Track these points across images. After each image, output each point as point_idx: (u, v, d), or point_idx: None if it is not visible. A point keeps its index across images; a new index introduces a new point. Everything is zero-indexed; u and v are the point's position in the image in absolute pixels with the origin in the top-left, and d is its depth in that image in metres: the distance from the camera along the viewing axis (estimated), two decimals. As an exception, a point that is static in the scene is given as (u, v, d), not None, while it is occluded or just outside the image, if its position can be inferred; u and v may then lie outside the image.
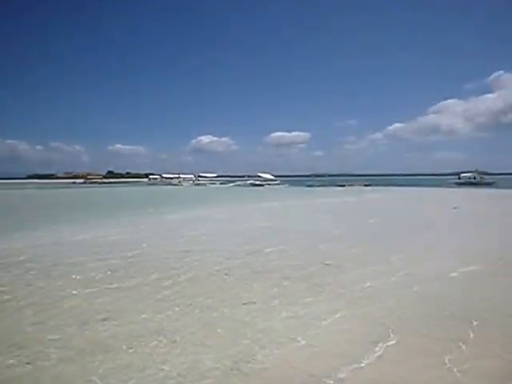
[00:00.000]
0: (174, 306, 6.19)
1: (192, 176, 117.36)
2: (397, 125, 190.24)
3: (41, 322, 5.57)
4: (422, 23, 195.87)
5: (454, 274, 8.03)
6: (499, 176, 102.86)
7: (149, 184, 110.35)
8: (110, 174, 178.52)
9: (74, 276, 8.17)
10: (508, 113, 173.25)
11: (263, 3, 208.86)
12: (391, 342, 4.76)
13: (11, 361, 4.38)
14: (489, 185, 66.27)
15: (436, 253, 10.33)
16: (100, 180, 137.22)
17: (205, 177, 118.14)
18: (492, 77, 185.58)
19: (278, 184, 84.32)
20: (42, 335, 5.08)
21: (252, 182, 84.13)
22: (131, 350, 4.63)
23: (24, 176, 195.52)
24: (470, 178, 71.36)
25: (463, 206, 25.97)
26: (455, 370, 4.08)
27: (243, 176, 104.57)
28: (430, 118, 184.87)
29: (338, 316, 5.69)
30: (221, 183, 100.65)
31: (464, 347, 4.61)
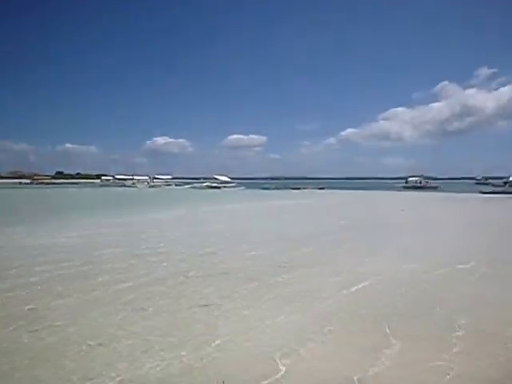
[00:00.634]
0: (125, 310, 6.02)
1: (147, 178, 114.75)
2: (349, 130, 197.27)
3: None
4: (373, 36, 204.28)
5: (400, 274, 8.41)
6: (443, 181, 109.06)
7: (101, 185, 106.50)
8: (60, 175, 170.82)
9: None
10: (453, 121, 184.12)
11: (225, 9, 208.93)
12: (333, 341, 4.90)
13: None
14: (433, 189, 70.30)
15: (385, 253, 10.77)
16: (48, 180, 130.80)
17: (160, 178, 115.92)
18: (438, 87, 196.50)
19: (234, 186, 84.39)
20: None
21: (208, 184, 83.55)
22: (75, 356, 4.45)
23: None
24: (416, 182, 75.37)
25: (410, 208, 27.42)
26: (388, 364, 4.27)
27: (199, 178, 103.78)
28: (381, 125, 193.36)
29: (282, 316, 5.76)
30: (176, 185, 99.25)
31: (395, 342, 4.83)
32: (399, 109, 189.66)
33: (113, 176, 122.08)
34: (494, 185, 70.67)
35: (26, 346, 4.71)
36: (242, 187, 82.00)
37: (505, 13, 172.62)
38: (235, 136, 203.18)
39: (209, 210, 27.25)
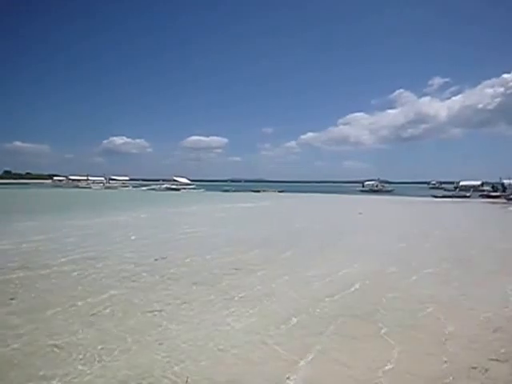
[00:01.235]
0: (75, 316, 6.01)
1: (102, 178, 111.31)
2: (310, 134, 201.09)
3: None
4: (334, 44, 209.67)
5: (351, 274, 8.89)
6: (399, 185, 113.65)
7: (53, 186, 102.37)
8: (7, 175, 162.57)
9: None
10: (407, 128, 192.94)
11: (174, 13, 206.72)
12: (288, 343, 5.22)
13: None
14: (388, 192, 73.32)
15: (343, 254, 11.28)
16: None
17: (117, 180, 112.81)
18: (395, 94, 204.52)
19: (194, 189, 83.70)
20: None
21: (167, 186, 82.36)
22: (20, 365, 4.47)
23: None
24: (372, 186, 78.25)
25: (367, 211, 28.57)
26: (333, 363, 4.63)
27: (158, 180, 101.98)
28: (340, 129, 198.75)
29: (242, 319, 5.98)
30: (134, 187, 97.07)
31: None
32: (358, 114, 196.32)
33: (66, 176, 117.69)
34: (445, 189, 74.52)
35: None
36: (202, 189, 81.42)
37: (457, 24, 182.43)
38: (196, 137, 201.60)
39: (166, 212, 27.06)
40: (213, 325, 5.69)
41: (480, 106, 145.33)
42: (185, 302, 6.73)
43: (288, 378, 4.16)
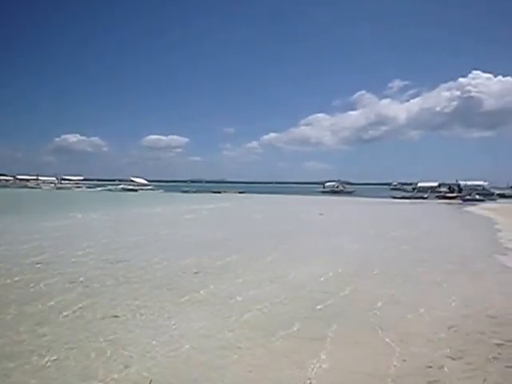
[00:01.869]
0: (22, 323, 5.70)
1: (54, 179, 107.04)
2: (272, 134, 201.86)
3: None
4: (297, 43, 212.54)
5: (312, 276, 8.99)
6: (360, 186, 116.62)
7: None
8: None
9: None
10: (368, 129, 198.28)
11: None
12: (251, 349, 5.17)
13: None
14: (349, 193, 75.07)
15: (301, 255, 11.39)
16: None
17: (69, 180, 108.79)
18: (356, 95, 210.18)
19: (152, 189, 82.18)
20: None
21: (124, 186, 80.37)
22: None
23: None
24: (333, 187, 79.81)
25: (327, 212, 29.13)
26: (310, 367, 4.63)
27: (114, 180, 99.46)
28: (302, 130, 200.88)
29: (202, 322, 5.90)
30: (88, 187, 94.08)
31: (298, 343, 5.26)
32: (319, 115, 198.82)
33: (13, 176, 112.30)
34: (404, 190, 77.19)
35: None
36: (161, 190, 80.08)
37: (415, 28, 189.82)
38: (154, 136, 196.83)
39: (121, 214, 26.40)
40: (172, 329, 5.58)
41: (438, 108, 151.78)
42: (144, 306, 6.58)
43: (250, 380, 4.14)
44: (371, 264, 10.27)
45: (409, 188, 77.19)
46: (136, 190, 77.36)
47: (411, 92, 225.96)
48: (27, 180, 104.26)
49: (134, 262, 10.20)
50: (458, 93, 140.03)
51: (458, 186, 61.00)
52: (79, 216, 23.32)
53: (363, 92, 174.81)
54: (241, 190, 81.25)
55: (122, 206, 36.01)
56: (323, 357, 4.74)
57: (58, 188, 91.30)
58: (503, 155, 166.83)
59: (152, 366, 4.44)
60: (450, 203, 47.08)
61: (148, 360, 4.60)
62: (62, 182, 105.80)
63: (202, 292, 7.55)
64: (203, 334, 5.47)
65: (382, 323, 5.91)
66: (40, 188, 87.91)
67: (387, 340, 5.27)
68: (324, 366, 4.52)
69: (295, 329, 5.68)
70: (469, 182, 61.03)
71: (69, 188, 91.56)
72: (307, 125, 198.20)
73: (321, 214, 27.00)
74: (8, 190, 78.65)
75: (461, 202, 49.05)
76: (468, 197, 52.04)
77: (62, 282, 8.14)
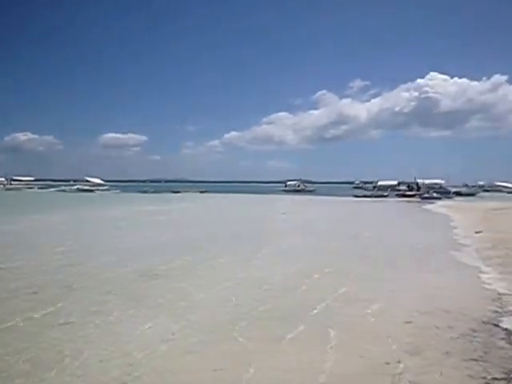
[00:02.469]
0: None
1: (3, 179, 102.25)
2: (234, 133, 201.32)
3: None
4: (257, 42, 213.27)
5: (276, 276, 9.04)
6: (322, 184, 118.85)
7: None
8: None
9: None
10: (330, 128, 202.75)
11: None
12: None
13: None
14: (310, 192, 76.25)
15: (262, 255, 11.43)
16: None
17: (20, 180, 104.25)
18: (317, 95, 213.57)
19: (108, 189, 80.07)
20: None
21: (79, 186, 77.82)
22: None
23: None
24: (294, 186, 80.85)
25: (290, 211, 29.51)
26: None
27: (68, 180, 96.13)
28: (264, 129, 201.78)
29: (158, 327, 5.81)
30: (40, 188, 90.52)
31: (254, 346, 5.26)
32: (282, 114, 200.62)
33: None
34: (365, 189, 79.18)
35: None
36: (118, 190, 78.16)
37: (375, 29, 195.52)
38: (111, 134, 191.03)
39: (76, 216, 25.57)
40: (127, 335, 5.45)
41: (397, 108, 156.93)
42: (98, 312, 6.40)
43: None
44: (328, 262, 10.46)
45: (370, 187, 79.15)
46: (92, 191, 75.11)
47: (372, 92, 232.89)
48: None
49: (85, 267, 9.89)
50: (416, 93, 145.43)
51: (417, 184, 63.22)
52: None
53: (324, 91, 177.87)
54: (202, 190, 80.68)
55: (74, 207, 34.81)
56: (280, 357, 4.78)
57: (8, 189, 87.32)
58: (459, 154, 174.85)
59: (102, 375, 4.31)
60: (409, 201, 48.71)
61: (104, 367, 4.47)
62: (12, 182, 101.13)
63: (157, 295, 7.41)
64: (159, 338, 5.36)
65: (338, 321, 6.02)
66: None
67: (345, 338, 5.36)
68: (282, 366, 4.54)
69: (252, 330, 5.68)
70: (427, 181, 63.40)
71: (19, 189, 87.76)
72: (269, 123, 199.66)
73: (283, 214, 27.27)
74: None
75: (419, 200, 50.87)
76: (426, 195, 54.04)
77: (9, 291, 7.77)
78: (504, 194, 73.33)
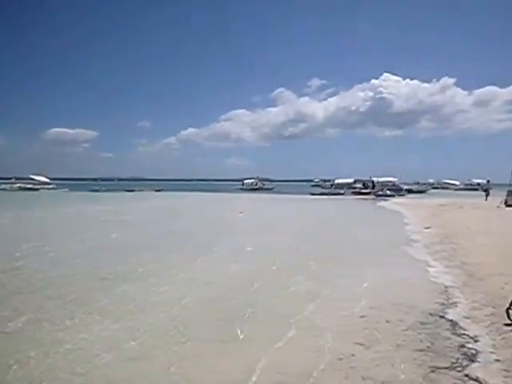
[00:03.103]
0: None
1: None
2: (191, 130, 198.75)
3: None
4: (218, 39, 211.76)
5: (231, 275, 9.14)
6: (281, 182, 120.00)
7: None
8: None
9: None
10: (288, 126, 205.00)
11: None
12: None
13: None
14: (268, 190, 76.87)
15: (216, 256, 11.46)
16: None
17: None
18: (275, 92, 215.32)
19: (54, 188, 76.95)
20: None
21: (21, 185, 74.23)
22: None
23: None
24: (252, 184, 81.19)
25: (247, 210, 29.63)
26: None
27: (10, 178, 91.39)
28: (222, 126, 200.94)
29: (102, 333, 5.74)
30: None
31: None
32: (240, 111, 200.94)
33: None
34: (323, 187, 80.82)
35: None
36: (66, 189, 75.28)
37: (331, 29, 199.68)
38: (58, 129, 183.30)
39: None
40: (70, 342, 5.31)
41: (353, 108, 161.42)
42: (43, 319, 6.18)
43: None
44: (281, 260, 10.69)
45: (327, 185, 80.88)
46: (37, 189, 71.86)
47: (329, 91, 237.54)
48: None
49: (27, 271, 9.54)
50: (371, 93, 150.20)
51: (372, 182, 65.46)
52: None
53: (283, 89, 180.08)
54: (158, 188, 79.18)
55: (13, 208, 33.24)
56: (236, 358, 4.87)
57: None
58: (410, 153, 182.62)
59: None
60: (364, 199, 50.28)
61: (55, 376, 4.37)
62: None
63: (106, 300, 7.30)
64: (109, 345, 5.28)
65: (290, 319, 6.17)
66: None
67: (298, 335, 5.54)
68: (238, 367, 4.63)
69: (206, 332, 5.72)
70: (381, 179, 65.96)
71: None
72: (227, 120, 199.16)
73: (241, 213, 27.31)
74: None
75: (374, 197, 52.70)
76: (380, 192, 56.02)
77: None
78: (451, 190, 77.61)
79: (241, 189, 79.07)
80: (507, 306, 5.70)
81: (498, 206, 25.71)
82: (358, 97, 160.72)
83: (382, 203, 39.76)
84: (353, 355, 4.86)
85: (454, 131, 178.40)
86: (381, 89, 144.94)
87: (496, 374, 4.29)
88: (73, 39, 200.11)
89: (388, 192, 56.31)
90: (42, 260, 10.78)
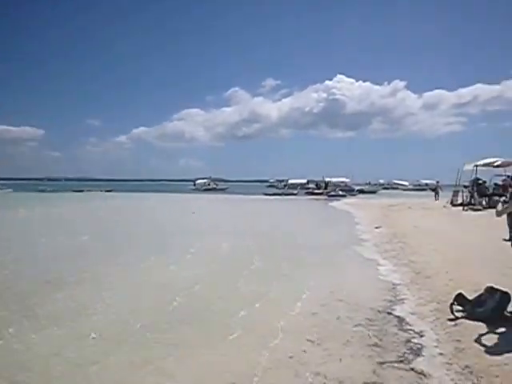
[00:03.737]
0: None
1: None
2: (142, 128, 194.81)
3: None
4: (172, 34, 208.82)
5: (180, 278, 8.98)
6: (236, 183, 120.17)
7: None
8: None
9: None
10: (242, 126, 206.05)
11: None
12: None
13: None
14: (222, 190, 76.68)
15: (165, 258, 11.25)
16: None
17: None
18: (230, 92, 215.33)
19: (-3, 189, 73.03)
20: None
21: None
22: None
23: None
24: (204, 184, 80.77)
25: (199, 210, 29.52)
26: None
27: None
28: (175, 125, 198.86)
29: (51, 340, 5.49)
30: None
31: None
32: (193, 110, 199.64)
33: None
34: (277, 187, 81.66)
35: None
36: (9, 189, 71.52)
37: (288, 29, 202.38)
38: (1, 127, 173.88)
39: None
40: (11, 351, 5.02)
41: (307, 109, 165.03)
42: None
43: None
44: (235, 262, 10.64)
45: (281, 185, 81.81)
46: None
47: (283, 91, 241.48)
48: None
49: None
50: (324, 95, 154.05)
51: (325, 182, 66.93)
52: None
53: (237, 89, 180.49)
54: (108, 189, 76.98)
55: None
56: (184, 361, 4.78)
57: None
58: (362, 154, 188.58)
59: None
60: (317, 199, 51.29)
61: None
62: None
63: (50, 305, 6.99)
64: (53, 352, 5.03)
65: (241, 320, 6.15)
66: None
67: (248, 336, 5.51)
68: (186, 370, 4.55)
69: (152, 337, 5.57)
70: (333, 179, 67.64)
71: None
72: (180, 119, 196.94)
73: (193, 213, 27.15)
74: None
75: (326, 197, 53.90)
76: (333, 193, 57.38)
77: None
78: (400, 191, 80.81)
79: (193, 189, 78.34)
80: (451, 301, 5.94)
81: (445, 206, 26.92)
82: (311, 98, 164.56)
83: (334, 203, 40.67)
84: (304, 352, 4.91)
85: (404, 133, 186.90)
86: (334, 90, 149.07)
87: (439, 366, 4.46)
88: (17, 35, 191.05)
89: (340, 192, 57.79)
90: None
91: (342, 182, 68.35)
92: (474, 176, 25.45)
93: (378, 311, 6.49)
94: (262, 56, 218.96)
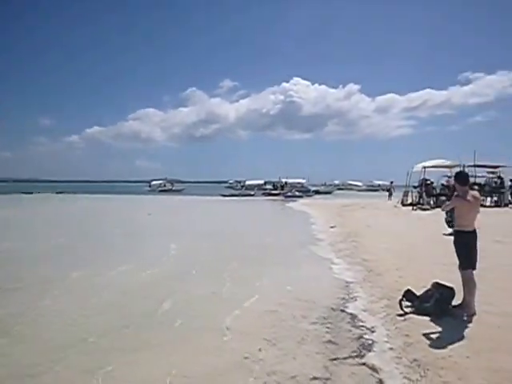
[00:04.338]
0: None
1: None
2: (97, 128, 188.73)
3: None
4: (131, 34, 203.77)
5: (138, 280, 8.79)
6: (193, 184, 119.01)
7: None
8: None
9: None
10: (199, 127, 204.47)
11: None
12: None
13: None
14: (178, 191, 75.63)
15: (121, 260, 10.96)
16: None
17: None
18: (187, 92, 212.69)
19: None
20: None
21: None
22: None
23: None
24: (160, 185, 79.62)
25: (155, 211, 29.04)
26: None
27: None
28: (130, 125, 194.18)
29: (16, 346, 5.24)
30: None
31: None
32: (149, 110, 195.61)
33: None
34: (234, 188, 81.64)
35: None
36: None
37: (247, 30, 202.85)
38: None
39: None
40: None
41: (264, 110, 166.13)
42: None
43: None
44: (189, 264, 10.46)
45: (239, 186, 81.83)
46: None
47: (241, 92, 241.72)
48: None
49: None
50: (281, 97, 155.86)
51: (282, 183, 67.56)
52: None
53: (194, 89, 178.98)
54: (59, 190, 73.99)
55: None
56: (136, 366, 4.70)
57: None
58: (318, 155, 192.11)
59: None
60: (274, 200, 51.66)
61: None
62: None
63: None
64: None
65: (201, 322, 6.13)
66: None
67: (204, 338, 5.49)
68: (140, 375, 4.48)
69: (115, 341, 5.45)
70: (290, 180, 68.39)
71: None
72: (136, 119, 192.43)
73: (149, 214, 26.68)
74: None
75: (283, 198, 54.40)
76: (289, 193, 58.01)
77: None
78: (355, 191, 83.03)
79: (149, 191, 76.99)
80: (400, 298, 6.17)
81: (396, 206, 27.88)
82: (269, 99, 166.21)
83: (291, 204, 41.16)
84: (259, 351, 4.96)
85: (359, 135, 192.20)
86: (291, 92, 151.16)
87: (389, 361, 4.65)
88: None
89: (297, 193, 58.58)
90: None
91: (299, 182, 69.28)
92: (422, 177, 26.63)
93: (332, 309, 6.65)
94: (220, 57, 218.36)
